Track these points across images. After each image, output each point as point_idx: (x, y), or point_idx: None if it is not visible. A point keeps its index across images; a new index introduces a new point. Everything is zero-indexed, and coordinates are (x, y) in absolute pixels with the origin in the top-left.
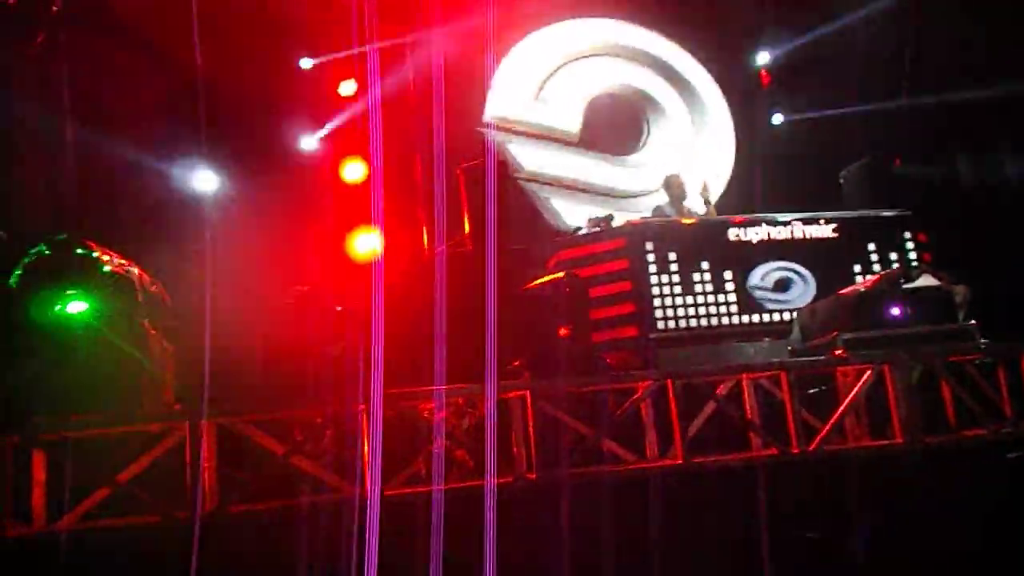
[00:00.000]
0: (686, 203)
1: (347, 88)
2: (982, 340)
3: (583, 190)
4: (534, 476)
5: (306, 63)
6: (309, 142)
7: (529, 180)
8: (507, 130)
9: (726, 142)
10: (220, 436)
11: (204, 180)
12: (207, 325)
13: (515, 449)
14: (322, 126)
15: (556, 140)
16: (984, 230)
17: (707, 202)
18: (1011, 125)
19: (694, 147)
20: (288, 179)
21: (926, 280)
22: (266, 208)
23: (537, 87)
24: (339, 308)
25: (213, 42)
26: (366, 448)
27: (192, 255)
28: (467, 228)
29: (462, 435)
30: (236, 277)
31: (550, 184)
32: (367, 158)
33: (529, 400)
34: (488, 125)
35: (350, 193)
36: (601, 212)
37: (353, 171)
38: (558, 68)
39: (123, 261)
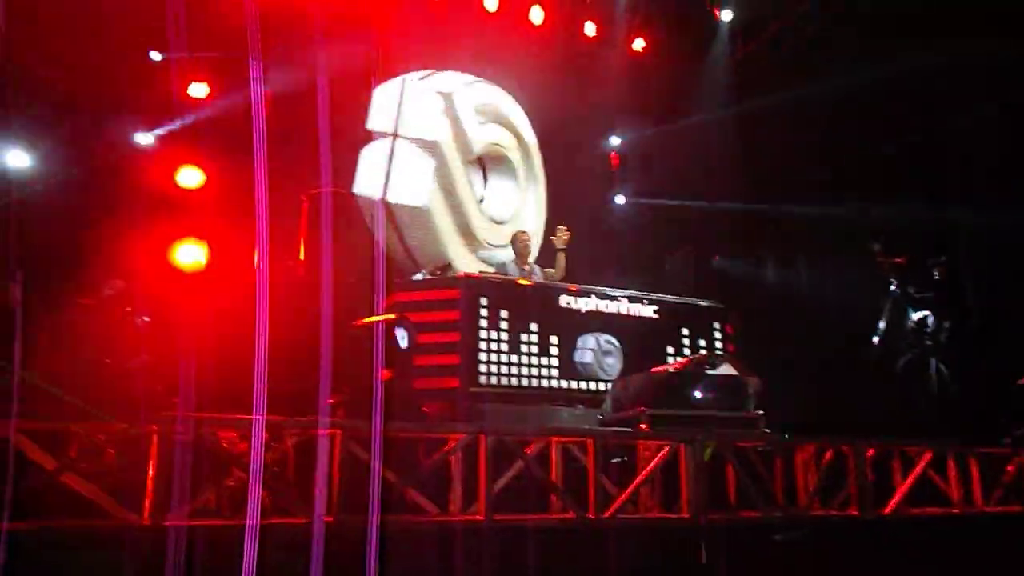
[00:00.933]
0: (530, 260)
1: (197, 90)
2: (766, 429)
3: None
4: (331, 519)
5: (157, 56)
6: (145, 139)
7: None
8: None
9: (543, 203)
10: None
11: (13, 157)
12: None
13: (316, 489)
14: (162, 125)
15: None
16: (781, 329)
17: (559, 251)
18: (812, 238)
19: (527, 205)
20: (116, 173)
21: (727, 368)
22: (86, 199)
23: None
24: (145, 318)
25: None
26: (151, 473)
27: None
28: (302, 255)
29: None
30: (39, 266)
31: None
32: (204, 166)
33: (339, 440)
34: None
35: (182, 199)
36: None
37: (189, 177)
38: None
39: None
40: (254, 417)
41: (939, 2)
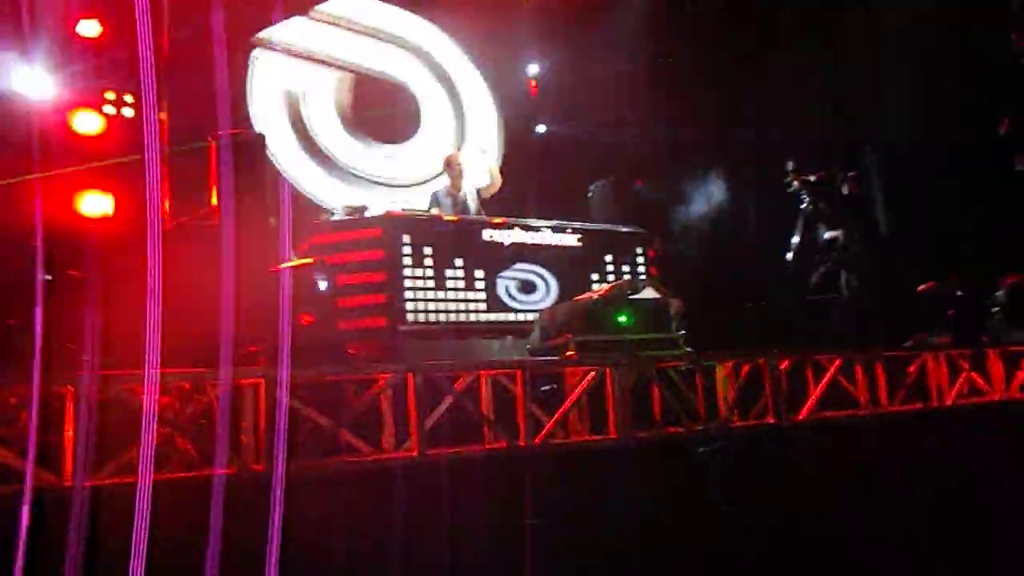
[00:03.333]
0: (465, 183)
1: (88, 29)
2: (687, 349)
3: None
4: (261, 467)
5: None
6: (36, 82)
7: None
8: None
9: (489, 127)
10: None
11: None
12: None
13: (243, 438)
14: (55, 66)
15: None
16: (702, 251)
17: (491, 173)
18: (730, 160)
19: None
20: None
21: (650, 292)
22: None
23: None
24: (47, 277)
25: None
26: (70, 434)
27: None
28: (214, 200)
29: (185, 422)
30: None
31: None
32: (102, 109)
33: (263, 388)
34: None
35: (81, 145)
36: (360, 200)
37: (86, 122)
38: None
39: None
40: (149, 370)
41: None
